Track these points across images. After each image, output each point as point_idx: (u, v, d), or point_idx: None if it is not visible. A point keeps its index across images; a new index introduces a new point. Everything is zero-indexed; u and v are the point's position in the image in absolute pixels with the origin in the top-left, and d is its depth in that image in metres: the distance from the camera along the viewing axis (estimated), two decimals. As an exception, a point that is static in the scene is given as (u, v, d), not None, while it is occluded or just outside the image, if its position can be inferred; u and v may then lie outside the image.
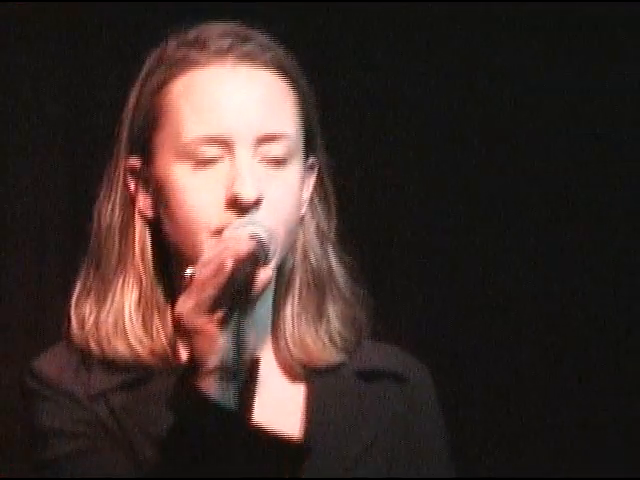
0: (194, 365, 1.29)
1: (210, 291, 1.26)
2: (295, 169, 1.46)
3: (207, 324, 1.27)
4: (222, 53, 1.45)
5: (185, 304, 1.29)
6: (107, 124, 2.84)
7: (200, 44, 1.46)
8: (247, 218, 1.39)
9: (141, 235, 1.47)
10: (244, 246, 1.30)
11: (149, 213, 1.47)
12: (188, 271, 1.32)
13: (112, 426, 1.42)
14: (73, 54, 3.21)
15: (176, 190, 1.42)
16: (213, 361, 1.28)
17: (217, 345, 1.28)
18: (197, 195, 1.41)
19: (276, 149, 1.44)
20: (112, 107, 2.97)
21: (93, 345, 1.45)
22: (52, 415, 1.44)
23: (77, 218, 2.99)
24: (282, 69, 1.46)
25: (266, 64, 1.45)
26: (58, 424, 1.43)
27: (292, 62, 1.50)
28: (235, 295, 1.26)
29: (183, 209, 1.42)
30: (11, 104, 3.17)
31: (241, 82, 1.44)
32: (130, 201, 1.48)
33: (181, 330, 1.32)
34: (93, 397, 1.43)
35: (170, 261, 1.48)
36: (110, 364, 1.44)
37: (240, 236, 1.34)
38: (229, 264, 1.26)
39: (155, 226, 1.48)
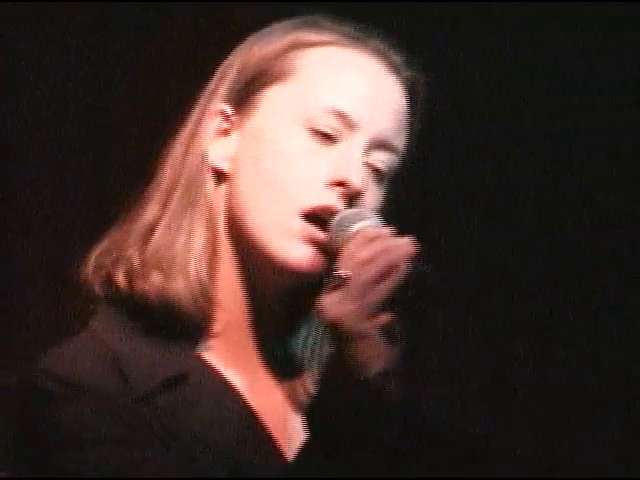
0: (354, 370, 1.21)
1: (378, 293, 1.19)
2: (384, 190, 1.40)
3: (373, 328, 1.20)
4: (361, 41, 1.41)
5: (343, 307, 1.20)
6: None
7: (334, 28, 1.43)
8: (358, 212, 1.32)
9: (208, 185, 1.40)
10: (413, 247, 1.23)
11: (224, 165, 1.39)
12: (342, 272, 1.22)
13: (160, 430, 1.28)
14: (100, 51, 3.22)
15: (281, 153, 1.35)
16: (378, 366, 1.21)
17: (382, 350, 1.22)
18: (302, 166, 1.34)
19: (383, 161, 1.38)
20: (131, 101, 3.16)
21: (154, 276, 1.34)
22: (88, 422, 1.27)
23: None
24: (414, 95, 1.44)
25: (407, 83, 1.43)
26: (96, 433, 1.26)
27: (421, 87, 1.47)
28: (402, 297, 1.20)
29: (283, 174, 1.35)
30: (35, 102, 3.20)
31: (383, 84, 1.40)
32: (206, 149, 1.40)
33: (339, 334, 1.22)
34: (136, 398, 1.29)
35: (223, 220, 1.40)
36: (156, 341, 1.34)
37: (399, 238, 1.25)
38: (403, 265, 1.20)
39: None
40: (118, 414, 1.27)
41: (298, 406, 1.41)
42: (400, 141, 1.40)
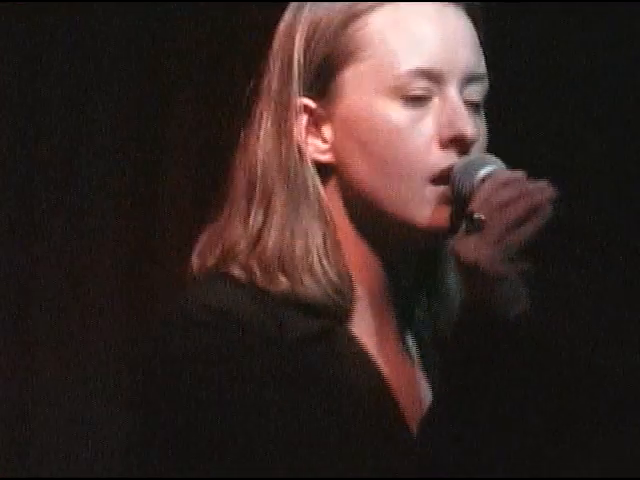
0: (493, 313, 1.23)
1: (519, 236, 1.20)
2: (483, 116, 1.39)
3: (513, 271, 1.21)
4: None
5: (481, 250, 1.22)
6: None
7: None
8: (480, 157, 1.32)
9: (314, 179, 1.38)
10: (553, 190, 1.23)
11: (326, 157, 1.38)
12: (475, 215, 1.23)
13: (304, 376, 1.29)
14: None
15: (385, 130, 1.33)
16: (517, 309, 1.22)
17: (520, 292, 1.23)
18: (411, 135, 1.33)
19: (477, 92, 1.37)
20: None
21: (281, 278, 1.34)
22: (249, 359, 1.27)
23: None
24: (476, 21, 1.42)
25: (466, 10, 1.41)
26: (258, 371, 1.27)
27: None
28: (542, 240, 1.22)
29: (396, 150, 1.33)
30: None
31: (449, 20, 1.38)
32: (301, 144, 1.38)
33: (476, 279, 1.23)
34: (293, 340, 1.29)
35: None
36: (295, 304, 1.34)
37: (536, 181, 1.26)
38: (545, 208, 1.21)
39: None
40: (270, 352, 1.27)
41: (426, 374, 1.42)
42: (483, 66, 1.39)
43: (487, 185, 1.26)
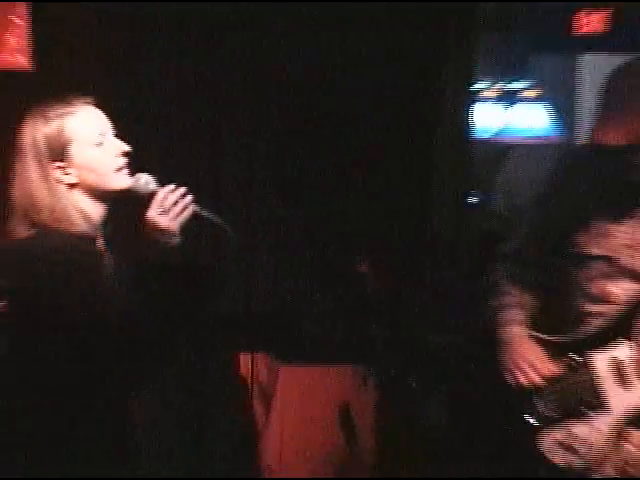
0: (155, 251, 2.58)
1: (177, 213, 2.57)
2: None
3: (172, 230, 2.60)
4: None
5: (163, 220, 2.56)
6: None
7: None
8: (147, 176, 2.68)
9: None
10: (186, 193, 2.64)
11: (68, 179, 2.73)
12: (159, 210, 2.64)
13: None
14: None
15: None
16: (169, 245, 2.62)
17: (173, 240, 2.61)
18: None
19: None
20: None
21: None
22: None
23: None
24: None
25: None
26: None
27: None
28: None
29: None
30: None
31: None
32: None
33: (157, 232, 2.56)
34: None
35: None
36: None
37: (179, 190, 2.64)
38: (186, 201, 2.63)
39: None
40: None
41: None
42: None
43: (161, 193, 2.59)
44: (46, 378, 2.53)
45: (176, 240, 2.57)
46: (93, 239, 2.62)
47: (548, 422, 3.18)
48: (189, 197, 2.58)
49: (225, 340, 4.64)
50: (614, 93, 3.22)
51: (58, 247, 2.52)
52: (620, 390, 3.17)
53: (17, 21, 5.39)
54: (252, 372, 4.62)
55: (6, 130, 2.76)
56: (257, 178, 4.97)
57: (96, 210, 2.62)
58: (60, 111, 2.61)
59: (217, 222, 2.66)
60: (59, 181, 2.59)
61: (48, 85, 4.28)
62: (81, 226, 2.58)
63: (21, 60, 5.36)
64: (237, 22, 4.83)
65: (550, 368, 3.23)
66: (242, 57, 4.83)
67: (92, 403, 2.55)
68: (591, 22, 5.52)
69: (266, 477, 4.55)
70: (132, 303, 2.53)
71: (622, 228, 3.15)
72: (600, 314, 3.16)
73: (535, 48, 5.83)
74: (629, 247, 3.14)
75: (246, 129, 4.90)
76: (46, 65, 4.76)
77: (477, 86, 5.51)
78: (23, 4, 5.14)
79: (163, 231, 2.57)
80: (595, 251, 3.14)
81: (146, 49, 4.82)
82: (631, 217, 3.13)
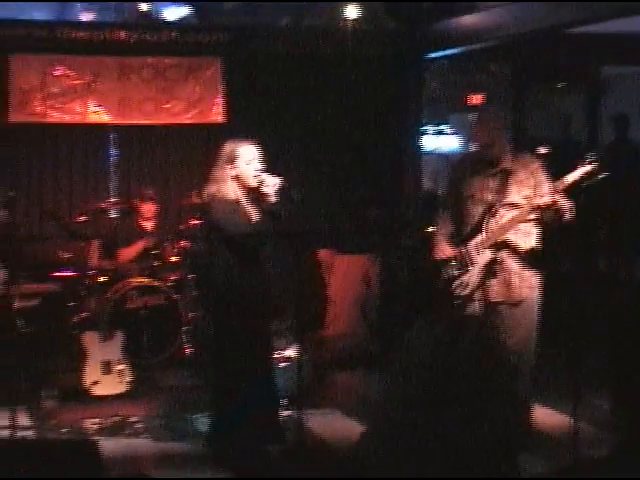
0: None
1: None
2: None
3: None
4: None
5: (285, 200, 5.99)
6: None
7: None
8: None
9: None
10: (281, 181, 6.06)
11: None
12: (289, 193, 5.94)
13: None
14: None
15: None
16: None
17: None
18: None
19: None
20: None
21: None
22: None
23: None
24: None
25: None
26: None
27: None
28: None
29: None
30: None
31: None
32: None
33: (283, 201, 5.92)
34: None
35: None
36: None
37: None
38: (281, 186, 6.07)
39: None
40: None
41: None
42: None
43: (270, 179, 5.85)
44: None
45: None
46: (238, 201, 5.72)
47: None
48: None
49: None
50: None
51: (224, 204, 5.63)
52: None
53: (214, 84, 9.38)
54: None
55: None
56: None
57: (240, 191, 5.75)
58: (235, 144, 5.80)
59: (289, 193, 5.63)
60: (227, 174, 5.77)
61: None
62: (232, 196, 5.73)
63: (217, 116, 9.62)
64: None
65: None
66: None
67: None
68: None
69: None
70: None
71: None
72: None
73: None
74: None
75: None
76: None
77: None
78: (219, 72, 9.43)
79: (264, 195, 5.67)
80: None
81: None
82: None
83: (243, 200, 5.87)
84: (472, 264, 5.90)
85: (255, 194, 5.89)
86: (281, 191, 5.77)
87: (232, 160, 5.80)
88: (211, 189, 5.85)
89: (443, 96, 9.94)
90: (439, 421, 2.14)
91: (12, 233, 8.00)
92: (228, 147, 5.87)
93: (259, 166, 5.80)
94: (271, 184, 5.78)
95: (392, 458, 2.11)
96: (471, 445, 2.18)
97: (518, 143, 6.40)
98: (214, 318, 5.99)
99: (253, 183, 5.84)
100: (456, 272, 5.96)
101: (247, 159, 5.81)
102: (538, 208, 5.66)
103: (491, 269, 5.82)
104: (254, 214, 5.85)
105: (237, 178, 5.84)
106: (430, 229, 6.42)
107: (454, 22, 8.96)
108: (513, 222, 5.78)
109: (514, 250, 5.85)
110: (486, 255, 5.85)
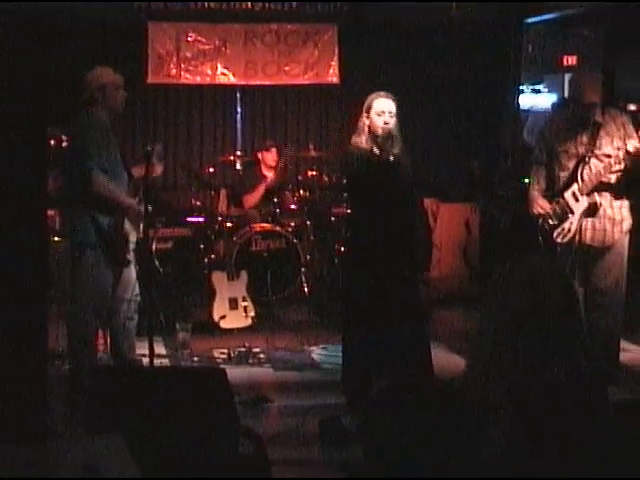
0: None
1: None
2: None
3: None
4: None
5: None
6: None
7: None
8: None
9: None
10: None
11: None
12: None
13: None
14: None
15: None
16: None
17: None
18: None
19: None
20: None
21: None
22: None
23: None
24: None
25: None
26: None
27: None
28: None
29: None
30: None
31: None
32: None
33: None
34: None
35: None
36: None
37: None
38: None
39: None
40: None
41: None
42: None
43: None
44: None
45: None
46: (371, 149, 5.74)
47: None
48: None
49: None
50: None
51: (358, 151, 5.77)
52: None
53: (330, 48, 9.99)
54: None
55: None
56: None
57: (372, 141, 5.82)
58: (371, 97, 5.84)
59: None
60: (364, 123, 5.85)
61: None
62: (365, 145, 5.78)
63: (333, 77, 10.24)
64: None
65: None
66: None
67: None
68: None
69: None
70: None
71: None
72: None
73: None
74: None
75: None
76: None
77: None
78: (335, 37, 10.04)
79: None
80: None
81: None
82: None
83: (375, 150, 5.97)
84: (571, 212, 6.10)
85: (383, 145, 5.98)
86: (399, 145, 5.92)
87: (367, 110, 5.97)
88: (353, 138, 6.05)
89: (539, 58, 10.53)
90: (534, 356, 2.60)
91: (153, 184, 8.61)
92: (368, 98, 6.01)
93: (389, 119, 5.91)
94: (393, 136, 5.94)
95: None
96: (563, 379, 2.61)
97: (608, 101, 6.44)
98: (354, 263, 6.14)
99: (380, 134, 5.94)
100: (555, 221, 6.17)
101: (378, 110, 5.95)
102: (629, 155, 5.89)
103: (589, 214, 6.06)
104: (383, 164, 5.93)
105: (369, 128, 5.96)
106: (526, 181, 6.72)
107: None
108: (606, 170, 5.98)
109: (606, 197, 6.06)
110: (584, 201, 6.06)
